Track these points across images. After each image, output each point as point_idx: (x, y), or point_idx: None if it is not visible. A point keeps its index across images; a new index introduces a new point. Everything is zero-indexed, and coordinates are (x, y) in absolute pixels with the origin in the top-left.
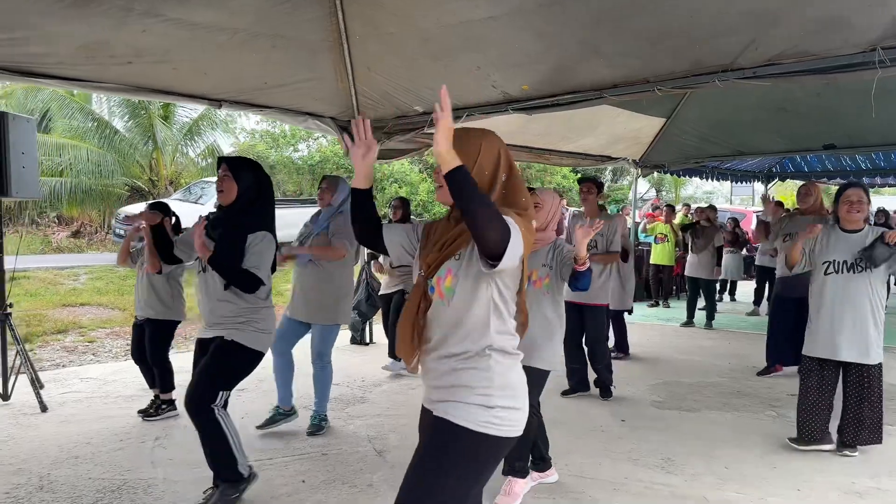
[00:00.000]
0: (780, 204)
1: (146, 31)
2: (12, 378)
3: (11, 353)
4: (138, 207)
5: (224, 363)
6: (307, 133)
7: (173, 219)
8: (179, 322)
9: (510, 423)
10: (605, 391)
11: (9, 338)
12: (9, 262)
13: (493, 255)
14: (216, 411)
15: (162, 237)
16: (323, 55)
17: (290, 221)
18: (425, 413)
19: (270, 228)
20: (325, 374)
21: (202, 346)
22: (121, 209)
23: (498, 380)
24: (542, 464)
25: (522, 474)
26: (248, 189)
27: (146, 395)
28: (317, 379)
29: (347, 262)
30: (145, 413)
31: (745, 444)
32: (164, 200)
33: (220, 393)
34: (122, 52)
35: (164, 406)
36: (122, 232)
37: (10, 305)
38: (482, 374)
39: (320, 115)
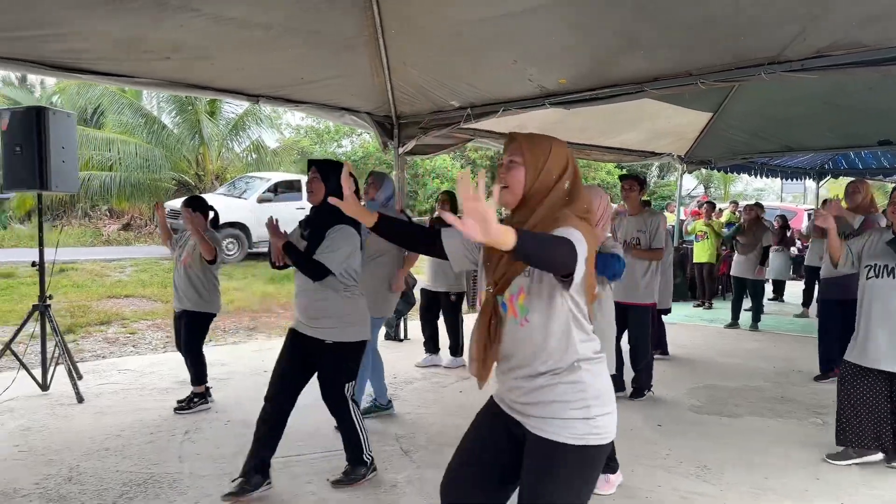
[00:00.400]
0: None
1: (183, 27)
2: (51, 369)
3: (51, 345)
4: (180, 202)
5: (337, 363)
6: (350, 129)
7: (211, 214)
8: (215, 315)
9: (608, 428)
10: (638, 392)
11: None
12: (59, 255)
13: (566, 275)
14: (348, 401)
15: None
16: (358, 50)
17: None
18: (503, 417)
19: (354, 224)
20: (377, 365)
21: (294, 335)
22: (166, 203)
23: (591, 390)
24: (613, 464)
25: (613, 469)
26: (336, 189)
27: (181, 388)
28: (369, 370)
29: (390, 257)
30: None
31: (787, 453)
32: (203, 195)
33: (347, 385)
34: (160, 47)
35: (195, 399)
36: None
37: (50, 297)
38: (576, 386)
39: (356, 110)
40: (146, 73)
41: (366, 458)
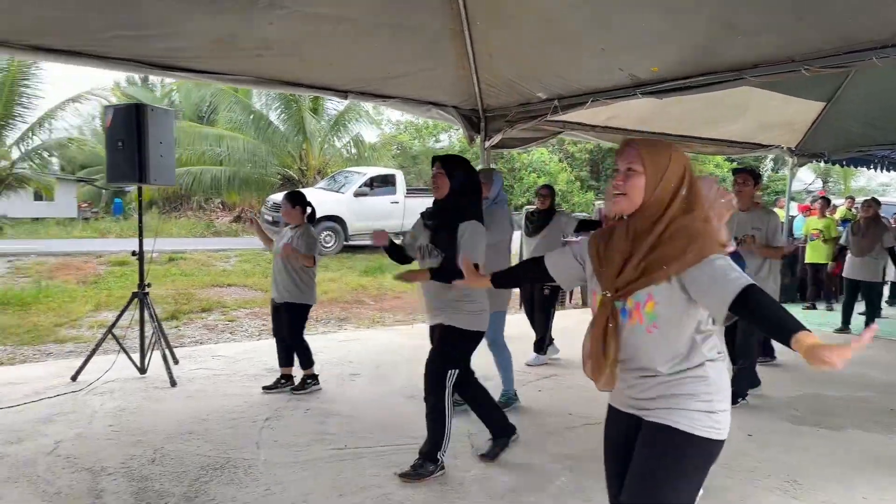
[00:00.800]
0: None
1: (273, 24)
2: (149, 353)
3: (150, 330)
4: (282, 195)
5: (446, 346)
6: (448, 124)
7: (308, 209)
8: (312, 305)
9: (725, 425)
10: (732, 398)
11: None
12: (172, 245)
13: None
14: (447, 389)
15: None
16: (444, 43)
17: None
18: (623, 416)
19: (479, 218)
20: (504, 358)
21: (432, 332)
22: (269, 197)
23: (714, 386)
24: None
25: None
26: (460, 184)
27: (268, 375)
28: (497, 364)
29: (497, 250)
30: (271, 388)
31: (890, 471)
32: (302, 190)
33: (449, 371)
34: (252, 44)
35: (309, 381)
36: (269, 218)
37: (149, 285)
38: (700, 381)
39: (442, 104)
40: (239, 71)
41: (439, 457)
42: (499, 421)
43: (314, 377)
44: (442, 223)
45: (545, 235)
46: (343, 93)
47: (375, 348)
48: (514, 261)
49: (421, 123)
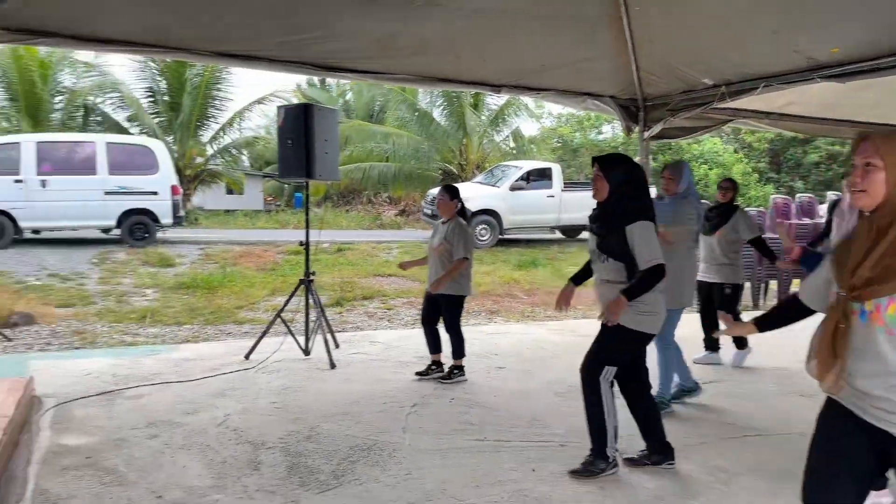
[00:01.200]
0: None
1: (429, 23)
2: (313, 336)
3: (314, 315)
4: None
5: (606, 342)
6: (611, 116)
7: (459, 204)
8: (466, 296)
9: None
10: None
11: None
12: (340, 236)
13: None
14: (601, 385)
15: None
16: (601, 32)
17: (584, 204)
18: (857, 421)
19: (646, 215)
20: (666, 356)
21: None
22: (429, 191)
23: None
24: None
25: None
26: (620, 184)
27: (418, 363)
28: (658, 361)
29: (686, 245)
30: (423, 374)
31: None
32: (457, 185)
33: (605, 368)
34: (409, 43)
35: (455, 371)
36: (428, 211)
37: (314, 273)
38: None
39: (599, 94)
40: (399, 69)
41: (609, 454)
42: (656, 436)
43: (461, 368)
44: (607, 228)
45: (723, 234)
46: (497, 87)
47: (524, 342)
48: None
49: (583, 115)
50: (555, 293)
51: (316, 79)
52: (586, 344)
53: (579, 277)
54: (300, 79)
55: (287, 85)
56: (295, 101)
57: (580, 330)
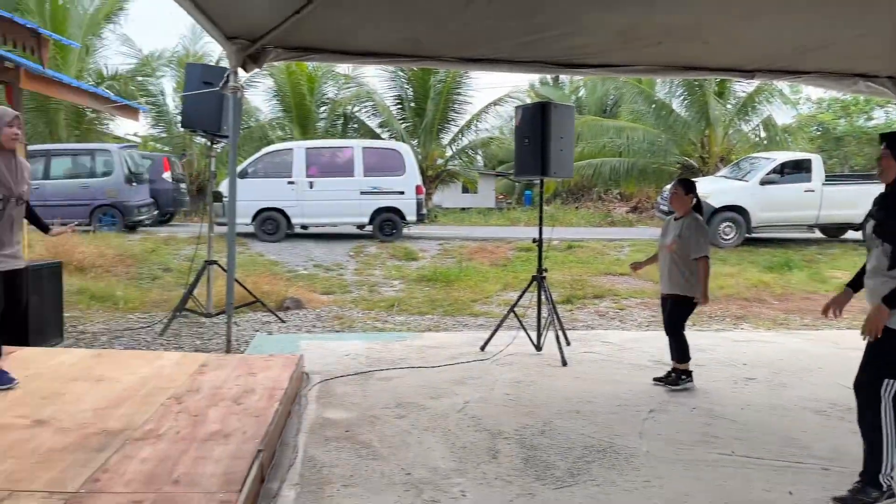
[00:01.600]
0: None
1: (677, 7)
2: (545, 332)
3: (546, 311)
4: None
5: (881, 350)
6: (886, 99)
7: (694, 199)
8: (696, 299)
9: None
10: None
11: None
12: (571, 234)
13: None
14: (882, 401)
15: None
16: (878, 4)
17: (849, 200)
18: None
19: None
20: None
21: None
22: (666, 187)
23: None
24: None
25: None
26: None
27: (655, 367)
28: None
29: None
30: (661, 380)
31: None
32: (700, 179)
33: (885, 381)
34: (652, 33)
35: (683, 377)
36: (665, 208)
37: (545, 270)
38: None
39: (873, 75)
40: (640, 61)
41: (883, 482)
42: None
43: (688, 373)
44: (888, 211)
45: None
46: (749, 72)
47: (775, 352)
48: None
49: (849, 100)
50: (812, 299)
51: (549, 77)
52: (851, 357)
53: (857, 284)
54: (534, 78)
55: (521, 85)
56: (529, 100)
57: (843, 342)
